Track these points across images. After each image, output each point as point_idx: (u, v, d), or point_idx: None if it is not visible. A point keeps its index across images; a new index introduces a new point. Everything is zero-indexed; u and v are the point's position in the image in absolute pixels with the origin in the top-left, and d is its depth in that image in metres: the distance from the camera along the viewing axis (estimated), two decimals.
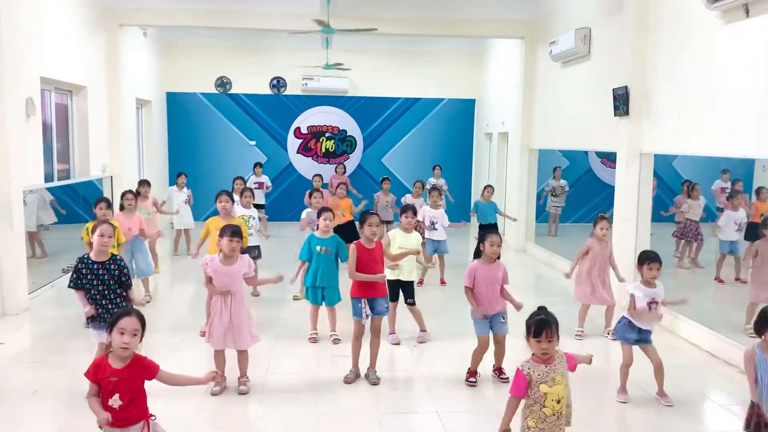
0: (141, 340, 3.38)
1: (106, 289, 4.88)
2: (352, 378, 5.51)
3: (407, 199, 10.38)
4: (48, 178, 8.89)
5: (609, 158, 14.22)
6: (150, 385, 3.45)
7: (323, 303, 6.52)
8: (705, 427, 4.97)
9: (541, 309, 3.48)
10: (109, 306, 4.92)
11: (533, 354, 3.42)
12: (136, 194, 8.30)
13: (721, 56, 6.35)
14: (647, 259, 5.12)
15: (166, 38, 14.54)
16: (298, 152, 15.73)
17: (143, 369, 3.38)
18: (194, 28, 12.98)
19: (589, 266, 6.80)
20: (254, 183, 12.44)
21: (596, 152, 14.42)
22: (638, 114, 7.75)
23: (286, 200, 15.14)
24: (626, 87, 7.77)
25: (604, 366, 5.91)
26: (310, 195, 8.74)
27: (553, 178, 13.43)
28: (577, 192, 13.96)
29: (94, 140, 10.29)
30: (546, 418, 3.35)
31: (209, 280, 5.07)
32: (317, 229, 6.60)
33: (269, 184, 13.07)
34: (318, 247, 6.40)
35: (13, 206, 7.29)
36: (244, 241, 6.05)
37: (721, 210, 12.14)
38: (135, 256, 7.71)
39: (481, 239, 5.43)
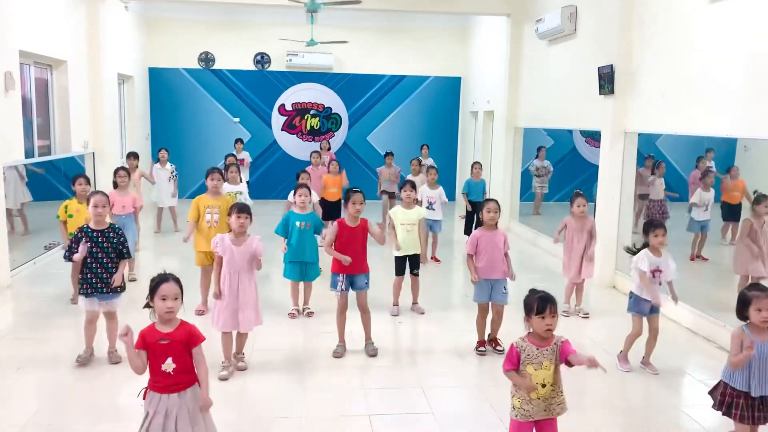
0: (182, 302, 3.43)
1: (105, 257, 5.00)
2: (340, 352, 5.56)
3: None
4: (28, 154, 8.75)
5: (593, 137, 14.28)
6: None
7: (303, 278, 6.61)
8: (683, 400, 5.06)
9: (535, 290, 3.46)
10: (104, 276, 5.01)
11: (529, 333, 3.40)
12: (128, 170, 8.15)
13: (705, 35, 6.37)
14: (651, 226, 5.25)
15: (148, 12, 14.27)
16: (282, 129, 15.60)
17: (191, 334, 3.35)
18: (177, 2, 12.79)
19: (568, 242, 6.87)
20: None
21: (580, 131, 14.47)
22: (623, 93, 7.77)
23: (270, 178, 15.08)
24: (611, 66, 7.78)
25: (579, 341, 6.00)
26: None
27: (537, 158, 13.43)
28: (562, 171, 14.01)
29: (75, 116, 10.13)
30: (531, 400, 3.35)
31: (220, 261, 4.99)
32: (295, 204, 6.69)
33: (249, 160, 13.04)
34: (298, 223, 6.49)
35: None
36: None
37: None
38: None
39: (476, 210, 5.53)
